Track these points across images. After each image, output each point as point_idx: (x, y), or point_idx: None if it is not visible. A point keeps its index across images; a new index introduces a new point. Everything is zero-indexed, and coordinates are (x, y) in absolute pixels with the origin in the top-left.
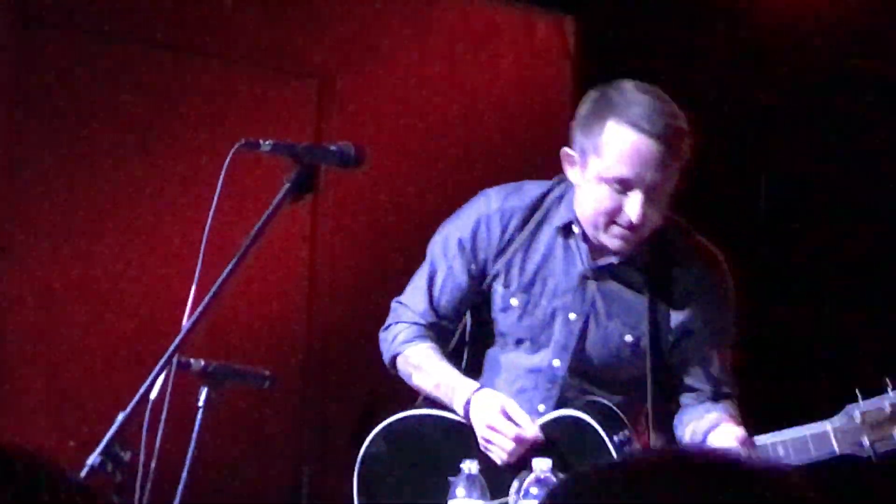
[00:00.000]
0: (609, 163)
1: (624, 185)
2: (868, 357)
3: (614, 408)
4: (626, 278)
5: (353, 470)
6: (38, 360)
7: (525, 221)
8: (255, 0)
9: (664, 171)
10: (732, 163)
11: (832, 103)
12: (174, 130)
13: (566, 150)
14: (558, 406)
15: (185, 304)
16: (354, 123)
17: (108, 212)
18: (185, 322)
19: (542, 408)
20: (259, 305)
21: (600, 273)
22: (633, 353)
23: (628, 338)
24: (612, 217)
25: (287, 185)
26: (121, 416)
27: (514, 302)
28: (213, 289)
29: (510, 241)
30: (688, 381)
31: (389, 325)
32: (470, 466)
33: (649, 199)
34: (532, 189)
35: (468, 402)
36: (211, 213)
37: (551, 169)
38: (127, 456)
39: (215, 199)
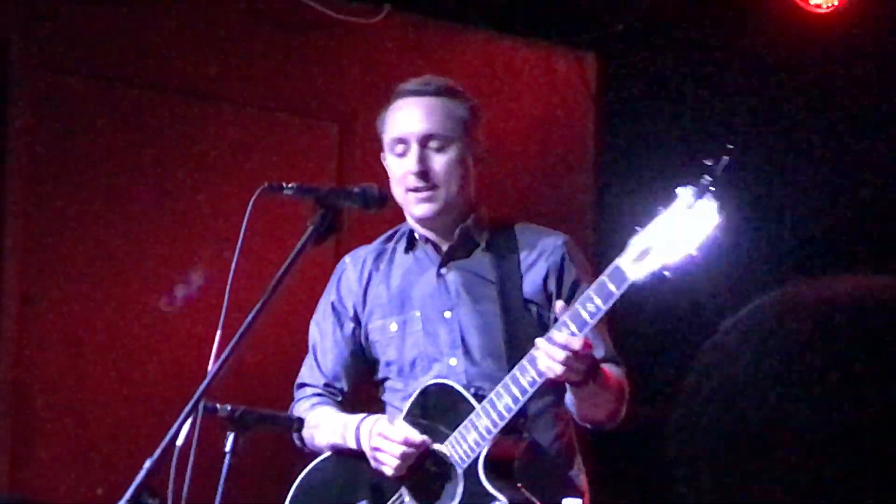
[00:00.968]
0: (388, 131)
1: (402, 146)
2: None
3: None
4: (476, 265)
5: None
6: (65, 407)
7: (378, 256)
8: (275, 46)
9: (430, 119)
10: (761, 194)
11: (850, 146)
12: (197, 176)
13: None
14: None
15: (211, 350)
16: (376, 165)
17: (134, 259)
18: (211, 367)
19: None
20: (286, 348)
21: (453, 265)
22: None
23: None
24: (405, 182)
25: (311, 228)
26: (148, 463)
27: (392, 327)
28: (238, 333)
29: (370, 279)
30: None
31: (291, 408)
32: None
33: (429, 151)
34: (381, 236)
35: (357, 430)
36: (235, 257)
37: (573, 204)
38: (155, 503)
39: (239, 242)
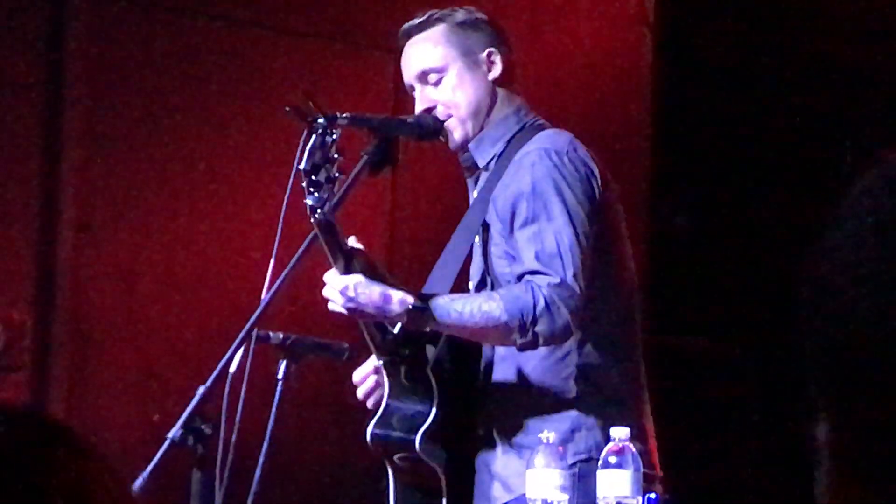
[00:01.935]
0: None
1: (412, 91)
2: None
3: None
4: (484, 184)
5: None
6: (121, 335)
7: None
8: None
9: (417, 58)
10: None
11: None
12: (252, 107)
13: None
14: None
15: (265, 279)
16: None
17: (188, 189)
18: (264, 296)
19: None
20: None
21: (475, 186)
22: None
23: (476, 239)
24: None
25: (365, 158)
26: (201, 390)
27: None
28: (291, 263)
29: None
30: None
31: None
32: (548, 436)
33: (428, 86)
34: None
35: None
36: (289, 188)
37: (632, 134)
38: (208, 429)
39: (293, 172)
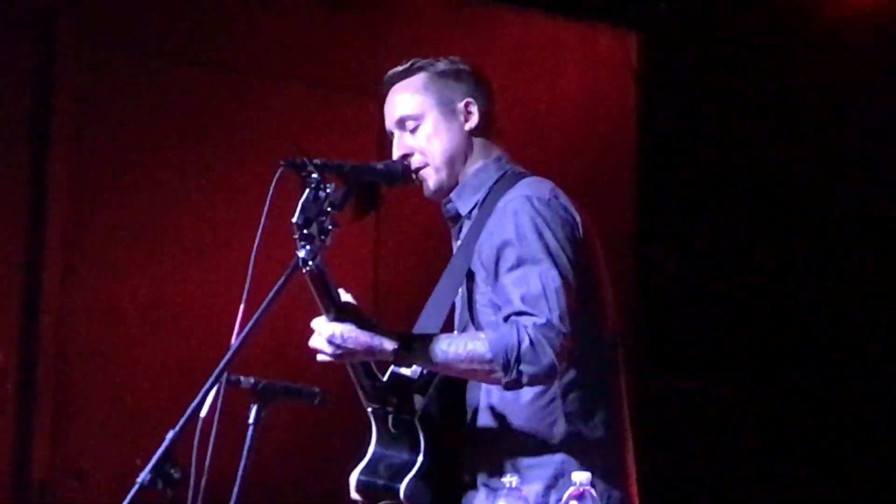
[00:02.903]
0: None
1: (392, 137)
2: None
3: None
4: (467, 232)
5: None
6: (105, 377)
7: None
8: (315, 20)
9: (396, 106)
10: (803, 170)
11: None
12: (235, 150)
13: None
14: None
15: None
16: None
17: (170, 231)
18: (234, 340)
19: None
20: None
21: (458, 235)
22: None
23: (460, 289)
24: (399, 162)
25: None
26: (170, 434)
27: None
28: (261, 307)
29: None
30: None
31: None
32: (511, 480)
33: (406, 132)
34: None
35: None
36: (259, 232)
37: (616, 182)
38: (177, 473)
39: (263, 216)
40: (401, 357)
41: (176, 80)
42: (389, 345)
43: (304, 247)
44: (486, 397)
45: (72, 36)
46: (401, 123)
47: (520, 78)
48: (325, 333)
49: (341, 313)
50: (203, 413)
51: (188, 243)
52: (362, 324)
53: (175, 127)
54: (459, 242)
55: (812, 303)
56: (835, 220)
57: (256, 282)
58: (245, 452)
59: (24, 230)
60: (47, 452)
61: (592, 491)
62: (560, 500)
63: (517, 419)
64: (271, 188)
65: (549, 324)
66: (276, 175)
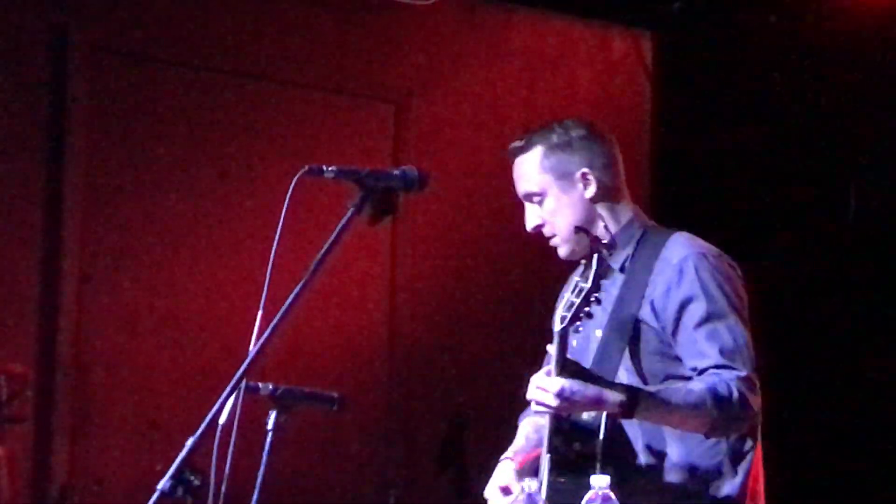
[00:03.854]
0: None
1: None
2: None
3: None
4: (610, 285)
5: (438, 492)
6: (123, 385)
7: (578, 273)
8: (331, 26)
9: (520, 181)
10: (819, 172)
11: None
12: (251, 158)
13: None
14: None
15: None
16: (431, 146)
17: (187, 239)
18: (252, 347)
19: None
20: (342, 327)
21: (598, 284)
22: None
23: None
24: (534, 232)
25: (351, 210)
26: (190, 441)
27: (574, 343)
28: (279, 314)
29: (565, 296)
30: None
31: None
32: (529, 485)
33: (532, 204)
34: None
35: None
36: (276, 238)
37: (630, 185)
38: (197, 480)
39: (280, 222)
40: (626, 409)
41: (192, 88)
42: (615, 397)
43: (570, 308)
44: (644, 437)
45: (85, 49)
46: (527, 197)
47: (533, 79)
48: (552, 389)
49: (564, 370)
50: (222, 420)
51: (204, 251)
52: (586, 378)
53: (191, 136)
54: (617, 293)
55: (826, 303)
56: (851, 220)
57: (273, 289)
58: (264, 458)
59: (40, 241)
60: (67, 460)
61: (612, 494)
62: None
63: (687, 456)
64: (288, 195)
65: (748, 378)
66: (294, 182)
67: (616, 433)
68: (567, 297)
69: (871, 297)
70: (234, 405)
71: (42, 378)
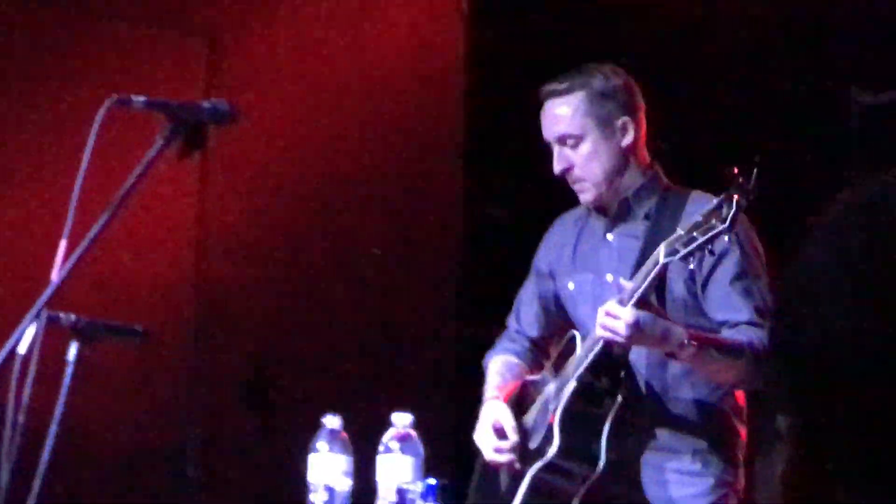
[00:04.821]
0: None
1: (551, 146)
2: None
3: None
4: (636, 230)
5: (243, 433)
6: None
7: (577, 220)
8: None
9: (558, 121)
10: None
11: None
12: (58, 88)
13: None
14: None
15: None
16: (245, 82)
17: None
18: (54, 276)
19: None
20: (148, 262)
21: (617, 230)
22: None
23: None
24: (560, 175)
25: (160, 143)
26: None
27: (570, 286)
28: (84, 243)
29: (566, 241)
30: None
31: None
32: (332, 422)
33: (566, 147)
34: None
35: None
36: (82, 168)
37: (442, 126)
38: None
39: (87, 154)
40: (684, 349)
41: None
42: (678, 337)
43: (691, 243)
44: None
45: None
46: (561, 139)
47: (348, 22)
48: (626, 318)
49: (641, 302)
50: (22, 350)
51: (9, 179)
52: (657, 314)
53: None
54: (642, 240)
55: None
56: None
57: (79, 219)
58: (63, 390)
59: None
60: None
61: (413, 433)
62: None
63: (692, 390)
64: (96, 124)
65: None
66: (102, 111)
67: (632, 373)
68: (680, 231)
69: None
70: (35, 335)
71: None
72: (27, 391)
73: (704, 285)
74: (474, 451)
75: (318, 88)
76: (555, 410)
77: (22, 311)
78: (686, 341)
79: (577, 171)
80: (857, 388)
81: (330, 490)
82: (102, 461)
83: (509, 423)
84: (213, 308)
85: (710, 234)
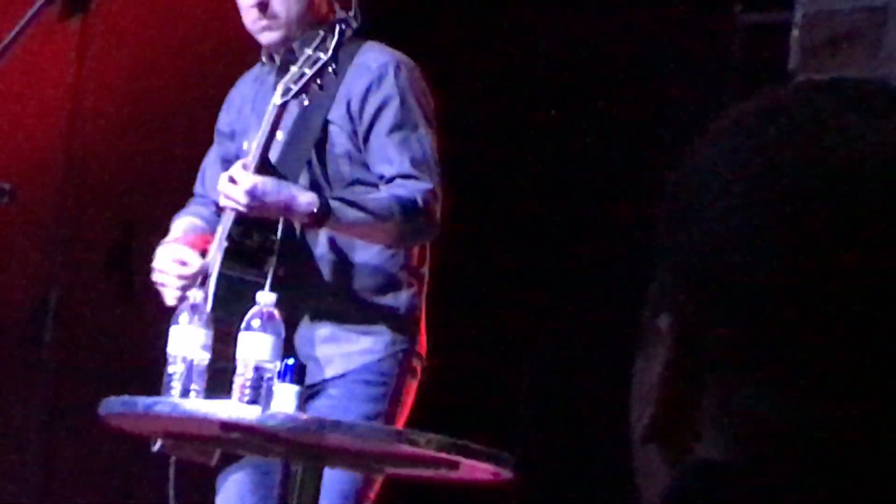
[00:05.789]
0: None
1: None
2: None
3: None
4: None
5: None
6: None
7: (256, 78)
8: None
9: None
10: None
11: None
12: None
13: None
14: None
15: None
16: None
17: None
18: None
19: None
20: (18, 120)
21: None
22: None
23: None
24: (248, 15)
25: (41, 1)
26: None
27: (245, 145)
28: None
29: (244, 98)
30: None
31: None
32: (195, 295)
33: None
34: None
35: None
36: None
37: None
38: None
39: None
40: (316, 218)
41: None
42: (307, 206)
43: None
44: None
45: None
46: None
47: None
48: (245, 185)
49: (263, 166)
50: None
51: None
52: (281, 180)
53: None
54: (308, 98)
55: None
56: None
57: None
58: None
59: None
60: None
61: (276, 312)
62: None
63: (370, 262)
64: None
65: (433, 190)
66: None
67: (293, 229)
68: (293, 69)
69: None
70: None
71: None
72: None
73: (367, 138)
74: None
75: None
76: (205, 298)
77: None
78: (315, 210)
79: (271, 8)
80: (740, 289)
81: (189, 362)
82: None
83: (191, 256)
84: (82, 170)
85: (315, 66)
